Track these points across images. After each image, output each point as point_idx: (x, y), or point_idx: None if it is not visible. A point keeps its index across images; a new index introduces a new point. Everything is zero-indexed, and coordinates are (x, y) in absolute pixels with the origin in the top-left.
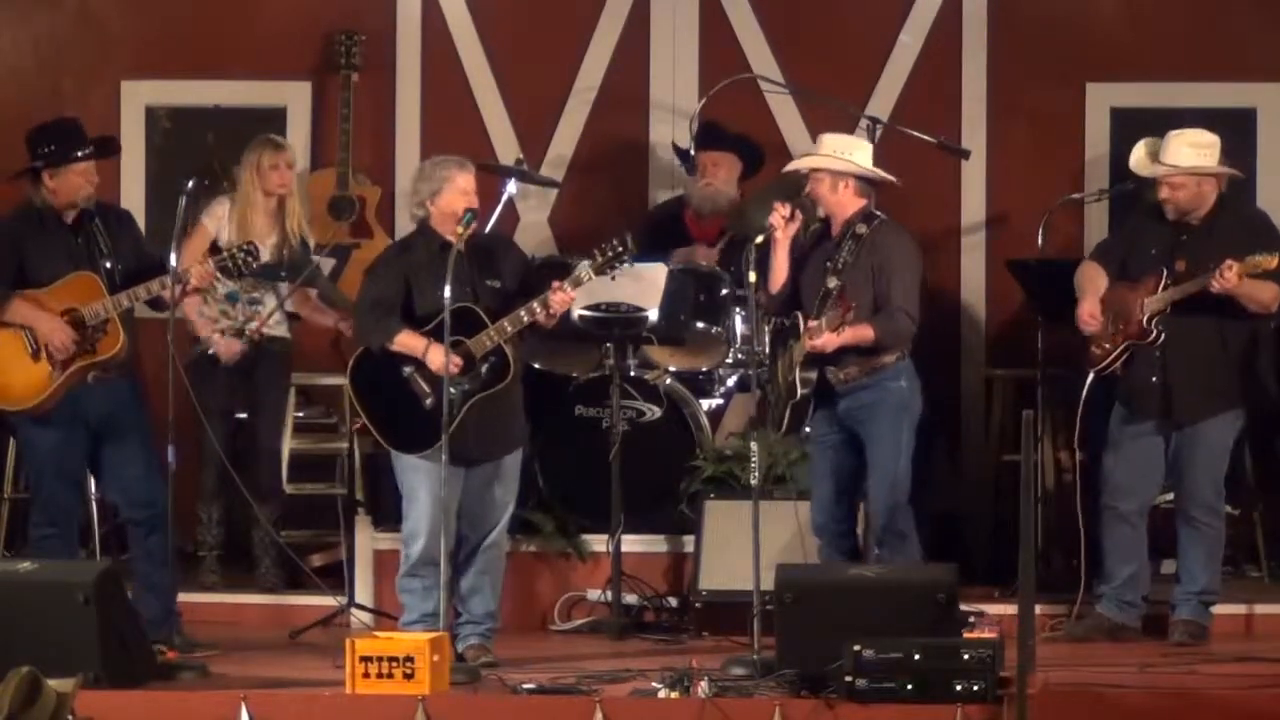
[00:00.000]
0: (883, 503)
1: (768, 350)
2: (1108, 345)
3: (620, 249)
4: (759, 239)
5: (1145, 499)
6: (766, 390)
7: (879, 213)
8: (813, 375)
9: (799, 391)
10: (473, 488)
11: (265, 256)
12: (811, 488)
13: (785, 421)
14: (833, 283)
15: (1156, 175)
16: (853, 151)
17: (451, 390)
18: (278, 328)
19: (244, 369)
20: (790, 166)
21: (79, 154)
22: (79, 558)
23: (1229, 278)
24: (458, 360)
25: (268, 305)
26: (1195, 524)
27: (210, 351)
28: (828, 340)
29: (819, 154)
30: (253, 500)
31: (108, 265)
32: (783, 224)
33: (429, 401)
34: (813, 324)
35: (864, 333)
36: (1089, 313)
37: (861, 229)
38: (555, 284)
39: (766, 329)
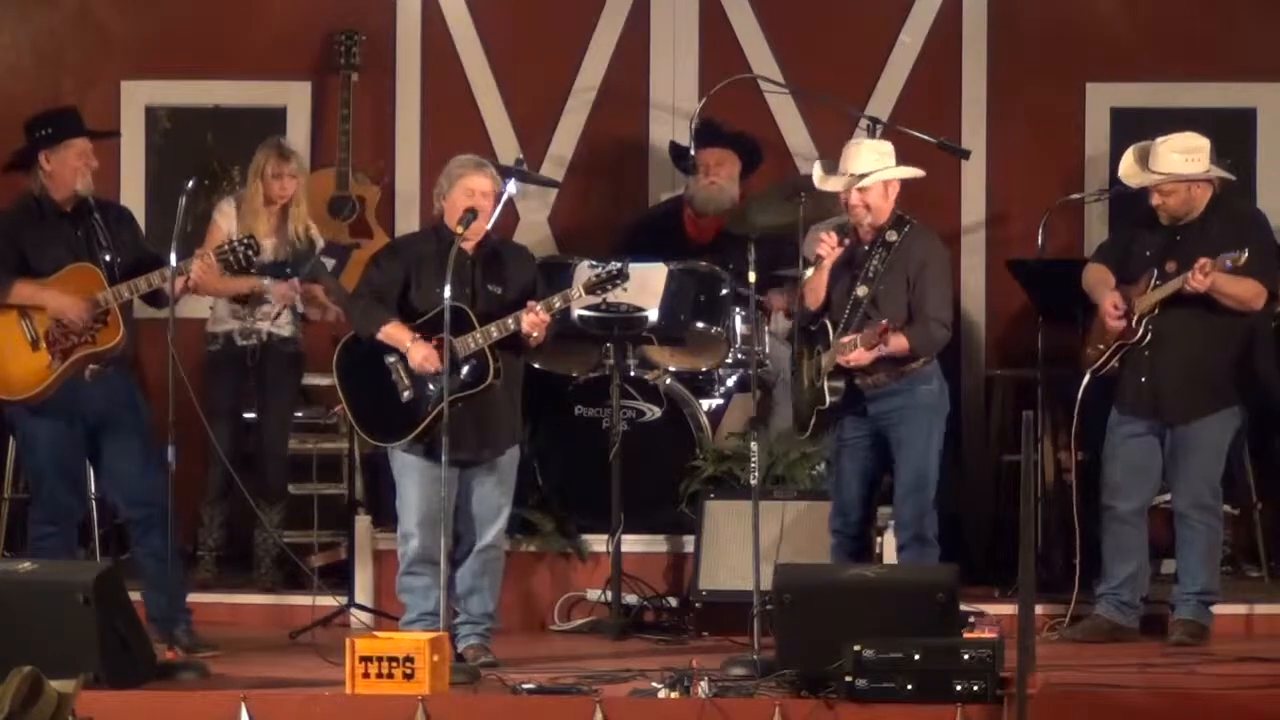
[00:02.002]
0: (911, 507)
1: (792, 351)
2: (1101, 346)
3: (614, 274)
4: (808, 272)
5: (1143, 499)
6: (791, 390)
7: (908, 218)
8: (841, 384)
9: (828, 399)
10: (468, 488)
11: (268, 256)
12: (834, 488)
13: (812, 425)
14: (862, 291)
15: (1147, 185)
16: (890, 154)
17: (430, 387)
18: (286, 328)
19: (253, 369)
20: (870, 180)
21: (76, 132)
22: (79, 557)
23: (1200, 278)
24: (436, 363)
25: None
26: (1192, 524)
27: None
28: (860, 357)
29: (863, 167)
30: (258, 502)
31: (106, 258)
32: (830, 253)
33: (406, 394)
34: (845, 340)
35: (899, 343)
36: (1112, 303)
37: (892, 236)
38: (530, 304)
39: (768, 329)
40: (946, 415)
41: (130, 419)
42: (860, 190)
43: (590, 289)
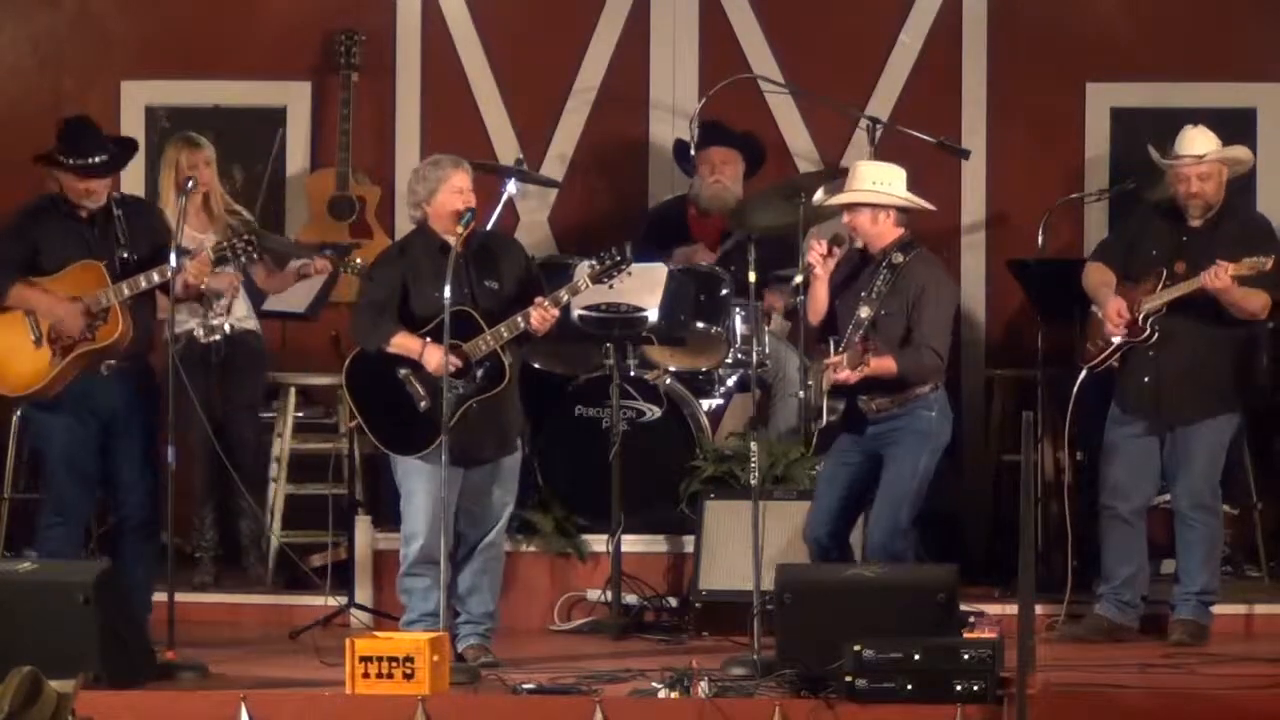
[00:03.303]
0: (885, 522)
1: (804, 365)
2: (1101, 342)
3: (618, 258)
4: (798, 279)
5: (1143, 499)
6: (799, 403)
7: (916, 242)
8: (840, 405)
9: (825, 418)
10: (471, 488)
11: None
12: (815, 496)
13: (814, 442)
14: (865, 312)
15: (1199, 167)
16: (891, 181)
17: (447, 392)
18: (247, 321)
19: (218, 366)
20: (832, 201)
21: (84, 167)
22: (83, 549)
23: (1221, 277)
24: (455, 360)
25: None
26: (1192, 524)
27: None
28: (847, 377)
29: (857, 186)
30: (249, 497)
31: (124, 255)
32: (821, 261)
33: (423, 404)
34: (834, 359)
35: (887, 365)
36: (1117, 310)
37: (898, 258)
38: (537, 300)
39: (768, 329)
40: (942, 446)
41: (141, 419)
42: (849, 210)
43: (596, 278)
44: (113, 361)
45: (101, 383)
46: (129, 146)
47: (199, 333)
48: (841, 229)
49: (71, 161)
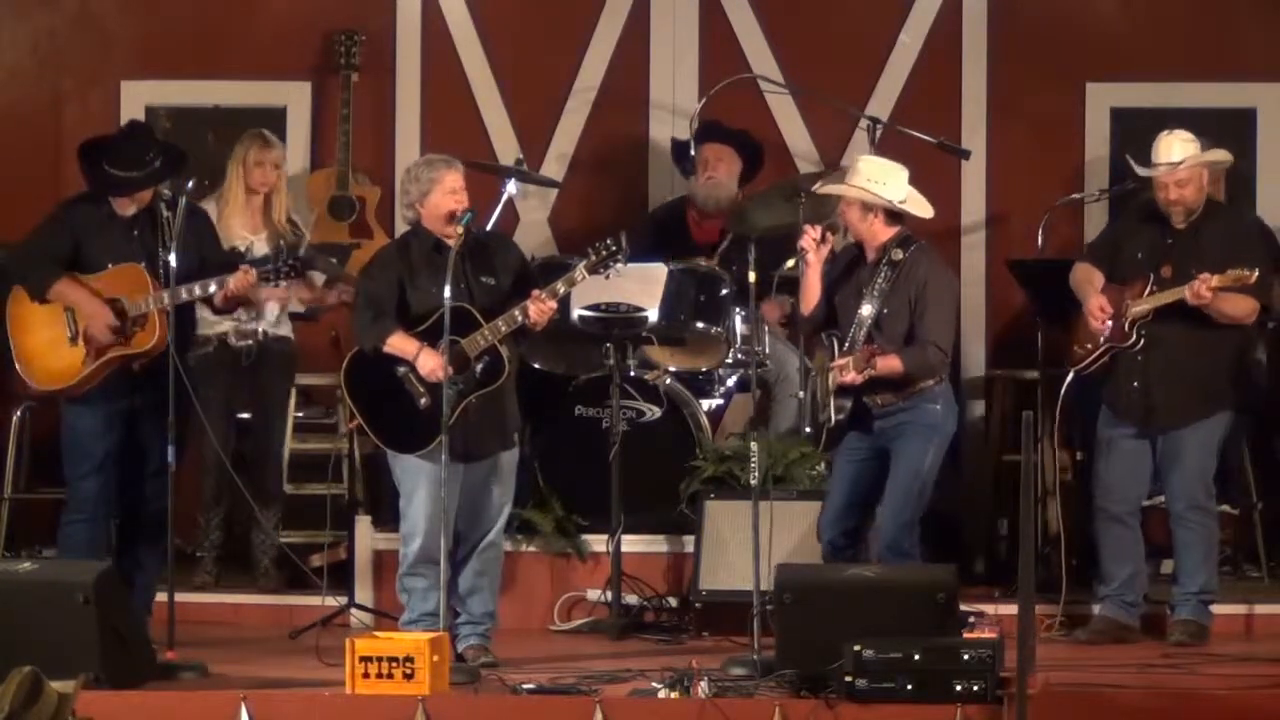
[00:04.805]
0: (893, 518)
1: (804, 365)
2: (1089, 345)
3: (614, 248)
4: (790, 263)
5: (1137, 499)
6: (802, 404)
7: (915, 238)
8: (848, 403)
9: (834, 418)
10: (470, 486)
11: (260, 250)
12: (827, 495)
13: (823, 440)
14: (866, 310)
15: (1174, 173)
16: (886, 180)
17: (446, 390)
18: (281, 327)
19: (247, 369)
20: (824, 190)
21: (117, 186)
22: (104, 546)
23: (1203, 293)
24: (449, 369)
25: (269, 304)
26: (1189, 525)
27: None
28: (854, 379)
29: (851, 181)
30: (255, 503)
31: (170, 259)
32: (814, 247)
33: (423, 401)
34: (841, 361)
35: (893, 364)
36: (1099, 305)
37: (898, 254)
38: (535, 293)
39: (767, 329)
40: (949, 437)
41: (163, 423)
42: (846, 204)
43: (593, 269)
44: (145, 360)
45: (133, 379)
46: (170, 162)
47: (232, 336)
48: (836, 220)
49: (113, 172)
